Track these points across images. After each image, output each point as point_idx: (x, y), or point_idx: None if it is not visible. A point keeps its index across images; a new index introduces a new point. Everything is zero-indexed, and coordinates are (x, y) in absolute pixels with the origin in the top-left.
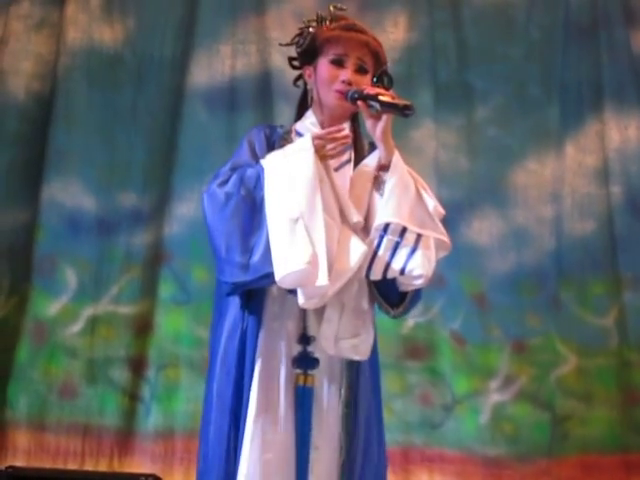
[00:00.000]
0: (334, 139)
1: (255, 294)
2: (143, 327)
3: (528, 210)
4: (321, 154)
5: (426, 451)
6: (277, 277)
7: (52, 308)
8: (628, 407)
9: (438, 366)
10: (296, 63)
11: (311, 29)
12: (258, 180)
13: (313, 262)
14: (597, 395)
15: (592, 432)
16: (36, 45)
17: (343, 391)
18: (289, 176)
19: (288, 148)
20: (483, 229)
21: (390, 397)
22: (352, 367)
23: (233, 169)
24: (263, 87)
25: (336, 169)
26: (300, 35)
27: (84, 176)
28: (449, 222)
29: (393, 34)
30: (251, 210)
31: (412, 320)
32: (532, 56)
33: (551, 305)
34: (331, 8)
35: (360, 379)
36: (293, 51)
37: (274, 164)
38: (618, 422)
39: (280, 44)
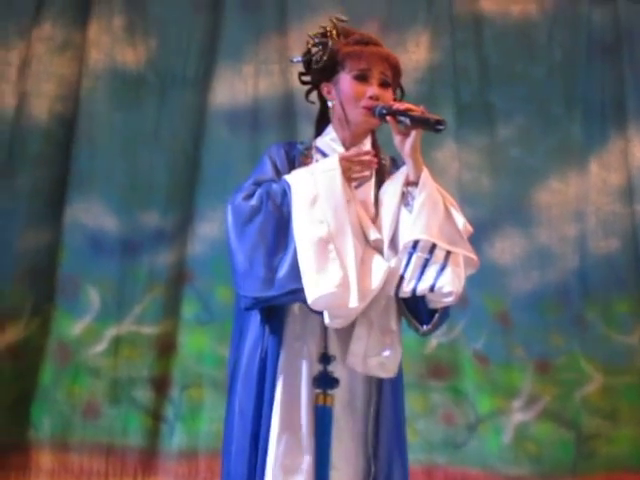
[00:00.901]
0: (361, 162)
1: (276, 312)
2: (166, 347)
3: (551, 229)
4: (347, 175)
5: (449, 470)
6: (309, 300)
7: (75, 328)
8: None
9: (461, 385)
10: (306, 79)
11: (328, 44)
12: (285, 196)
13: (344, 284)
14: (623, 413)
15: (618, 450)
16: (59, 67)
17: (371, 410)
18: (317, 195)
19: (314, 167)
20: (506, 248)
21: (413, 416)
22: (376, 387)
23: (257, 183)
24: (286, 107)
25: (357, 186)
26: (310, 52)
27: (107, 196)
28: (472, 242)
29: (415, 54)
30: (278, 226)
31: (435, 340)
32: (554, 75)
33: (575, 324)
34: (334, 20)
35: (383, 399)
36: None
37: (300, 182)
38: None
39: (291, 60)
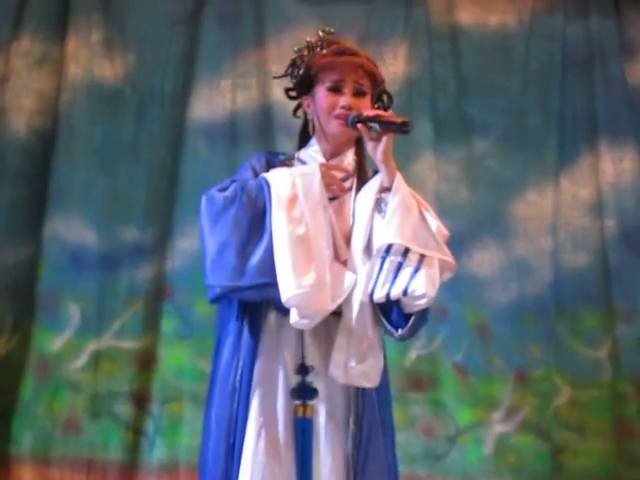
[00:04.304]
0: (334, 179)
1: (252, 323)
2: (146, 361)
3: (528, 241)
4: (325, 182)
5: None
6: (284, 297)
7: (55, 343)
8: (621, 439)
9: (441, 398)
10: (293, 94)
11: (304, 58)
12: (261, 190)
13: (319, 285)
14: (590, 427)
15: (586, 464)
16: (37, 81)
17: (350, 422)
18: (295, 195)
19: (294, 168)
20: (484, 260)
21: None
22: (357, 398)
23: (234, 181)
24: (264, 120)
25: (337, 197)
26: (293, 65)
27: (86, 211)
28: (451, 252)
29: (392, 66)
30: (252, 218)
31: (415, 352)
32: (531, 88)
33: (550, 336)
34: (320, 33)
35: (365, 411)
36: (290, 82)
37: (279, 180)
38: (611, 454)
39: (274, 77)
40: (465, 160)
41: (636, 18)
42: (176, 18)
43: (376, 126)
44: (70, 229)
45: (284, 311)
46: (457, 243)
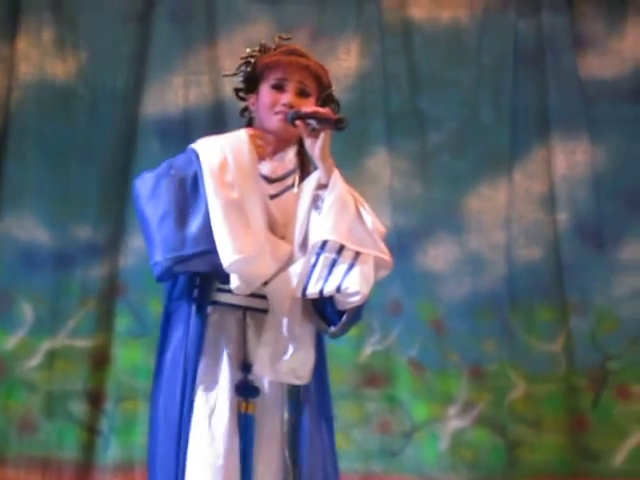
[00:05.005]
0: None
1: (196, 319)
2: (100, 360)
3: (482, 236)
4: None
5: (385, 479)
6: (225, 263)
7: (9, 343)
8: (576, 433)
9: (396, 394)
10: (242, 94)
11: (255, 58)
12: (190, 161)
13: (259, 250)
14: (545, 421)
15: (541, 457)
16: None
17: (285, 418)
18: (225, 159)
19: (221, 135)
20: (439, 255)
21: (348, 426)
22: (293, 394)
23: None
24: (216, 117)
25: (279, 194)
26: (244, 64)
27: (39, 210)
28: (405, 249)
29: (346, 62)
30: (184, 188)
31: (370, 348)
32: (483, 81)
33: (504, 331)
34: (276, 39)
35: (304, 407)
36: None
37: (208, 147)
38: (566, 448)
39: (224, 75)
40: (418, 155)
41: (588, 11)
42: (128, 16)
43: (314, 123)
44: (22, 228)
45: (227, 279)
46: (411, 238)
